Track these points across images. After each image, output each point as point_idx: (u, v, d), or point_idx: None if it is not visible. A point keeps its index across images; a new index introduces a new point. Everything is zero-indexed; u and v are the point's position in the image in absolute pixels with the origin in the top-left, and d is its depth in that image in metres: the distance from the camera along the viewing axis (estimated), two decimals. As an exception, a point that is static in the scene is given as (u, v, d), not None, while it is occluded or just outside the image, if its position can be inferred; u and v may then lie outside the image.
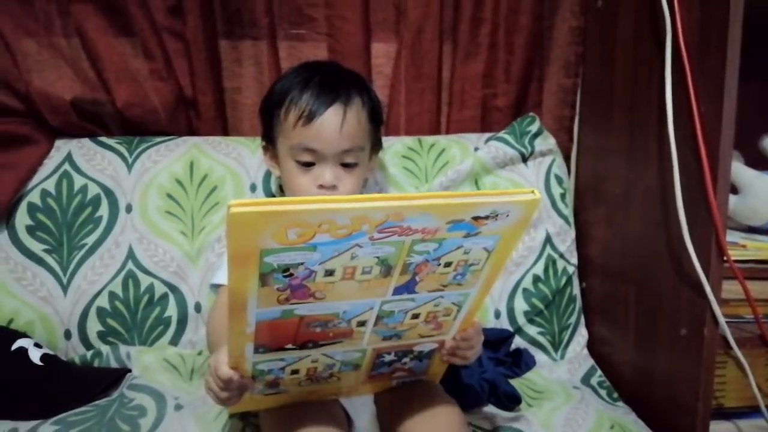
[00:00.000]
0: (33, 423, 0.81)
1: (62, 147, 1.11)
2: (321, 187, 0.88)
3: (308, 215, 0.51)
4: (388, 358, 0.75)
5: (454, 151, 1.17)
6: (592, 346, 1.15)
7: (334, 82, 0.90)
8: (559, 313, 1.13)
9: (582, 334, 1.15)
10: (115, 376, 0.93)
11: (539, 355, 1.10)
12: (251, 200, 0.50)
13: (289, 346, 0.66)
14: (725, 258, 0.85)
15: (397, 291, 0.63)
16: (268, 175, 1.11)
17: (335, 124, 0.87)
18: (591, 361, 1.11)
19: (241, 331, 0.61)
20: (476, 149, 1.17)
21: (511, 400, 0.90)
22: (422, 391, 0.81)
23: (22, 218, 1.05)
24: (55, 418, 0.82)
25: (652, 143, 0.97)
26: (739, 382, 0.94)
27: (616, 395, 1.01)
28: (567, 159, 1.27)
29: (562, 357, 1.12)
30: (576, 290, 1.16)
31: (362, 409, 0.81)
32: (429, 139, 1.20)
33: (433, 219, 0.55)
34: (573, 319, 1.14)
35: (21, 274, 1.02)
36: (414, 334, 0.71)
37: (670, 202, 0.90)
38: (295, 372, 0.71)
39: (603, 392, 1.01)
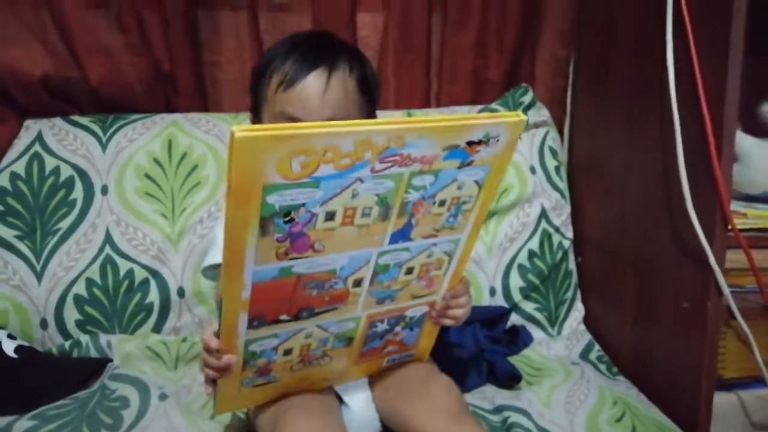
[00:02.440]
0: (8, 419, 0.76)
1: (32, 127, 1.05)
2: None
3: (314, 139, 0.50)
4: (380, 327, 0.72)
5: (445, 125, 1.13)
6: (588, 320, 1.13)
7: (321, 47, 0.85)
8: (555, 288, 1.10)
9: (578, 309, 1.12)
10: (96, 367, 0.88)
11: (536, 332, 1.07)
12: (255, 126, 0.48)
13: (284, 317, 0.63)
14: (729, 227, 0.82)
15: (394, 238, 0.62)
16: (251, 153, 1.06)
17: (318, 89, 0.81)
18: (588, 336, 1.09)
19: (236, 296, 0.57)
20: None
21: (510, 379, 0.87)
22: (418, 371, 0.78)
23: (-10, 203, 0.99)
24: (32, 413, 0.77)
25: (653, 115, 0.93)
26: (739, 353, 0.92)
27: (615, 369, 0.99)
28: (560, 132, 1.24)
29: (559, 333, 1.09)
30: (572, 265, 1.13)
31: (357, 394, 0.77)
32: (419, 113, 1.15)
33: (432, 144, 0.55)
34: (569, 295, 1.11)
35: (-9, 262, 0.97)
36: (406, 295, 0.70)
37: (672, 173, 0.87)
38: (287, 353, 0.67)
39: (602, 367, 0.99)
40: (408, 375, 0.77)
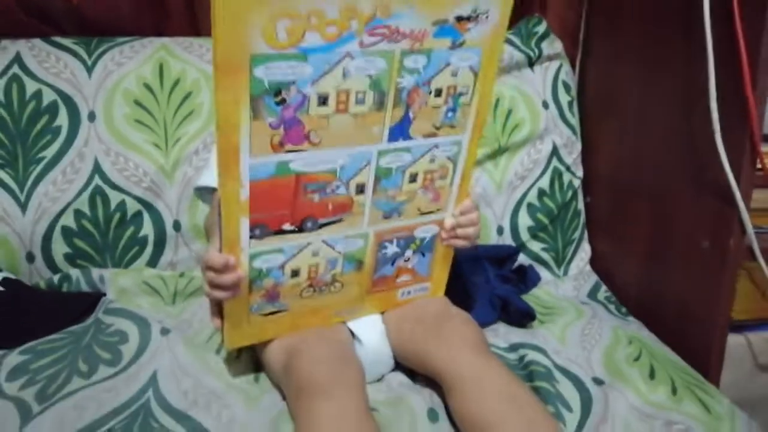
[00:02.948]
0: (-2, 352, 0.72)
1: (9, 47, 0.96)
2: None
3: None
4: (390, 249, 0.70)
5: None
6: (594, 261, 1.10)
7: None
8: (563, 228, 1.07)
9: (585, 250, 1.10)
10: (89, 301, 0.84)
11: (542, 272, 1.04)
12: None
13: (287, 226, 0.60)
14: (759, 166, 0.79)
15: (393, 134, 0.60)
16: (249, 80, 1.00)
17: None
18: (595, 277, 1.06)
19: (234, 195, 0.55)
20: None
21: (523, 316, 0.85)
22: (434, 307, 0.75)
23: (-34, 128, 0.92)
24: (22, 347, 0.73)
25: (677, 48, 0.88)
26: (748, 295, 0.91)
27: (624, 310, 0.97)
28: (572, 66, 1.18)
29: (566, 273, 1.07)
30: (581, 205, 1.10)
31: (371, 330, 0.73)
32: (426, 42, 1.09)
33: (420, 17, 0.54)
34: (577, 235, 1.08)
35: (-30, 192, 0.90)
36: (413, 209, 0.68)
37: (698, 106, 0.82)
38: (295, 274, 0.64)
39: (611, 307, 0.97)
40: (424, 311, 0.73)
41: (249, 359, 0.74)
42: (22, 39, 0.98)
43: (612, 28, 1.06)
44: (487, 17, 0.57)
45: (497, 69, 0.63)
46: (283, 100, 0.52)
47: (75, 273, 0.91)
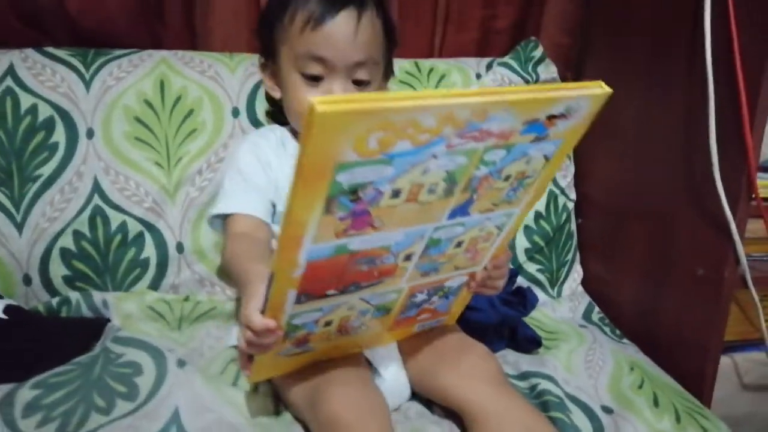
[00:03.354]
0: (6, 387, 0.69)
1: (1, 58, 0.92)
2: None
3: (401, 113, 0.44)
4: (419, 297, 0.70)
5: (455, 77, 1.08)
6: (585, 282, 1.14)
7: None
8: (557, 250, 1.10)
9: (578, 271, 1.13)
10: (96, 328, 0.82)
11: (538, 293, 1.06)
12: (336, 97, 0.42)
13: (332, 291, 0.59)
14: (753, 196, 0.83)
15: (453, 214, 0.59)
16: (252, 99, 0.98)
17: (349, 29, 0.76)
18: (587, 298, 1.10)
19: (288, 275, 0.53)
20: (478, 75, 1.09)
21: (530, 343, 0.87)
22: (451, 339, 0.76)
23: (-42, 144, 0.88)
24: (33, 381, 0.70)
25: (676, 78, 0.92)
26: (736, 318, 0.95)
27: (619, 332, 1.00)
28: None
29: (559, 294, 1.10)
30: (573, 226, 1.13)
31: (388, 360, 0.74)
32: (426, 63, 1.10)
33: (514, 118, 0.51)
34: (570, 256, 1.12)
35: (-37, 211, 0.87)
36: (450, 267, 0.67)
37: (697, 137, 0.86)
38: (327, 324, 0.64)
39: (607, 329, 1.00)
40: (442, 343, 0.75)
41: (267, 392, 0.74)
42: (14, 49, 0.94)
43: (609, 52, 1.09)
44: (577, 113, 0.55)
45: (570, 151, 0.60)
46: (358, 198, 0.50)
47: (75, 296, 0.88)
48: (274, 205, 0.82)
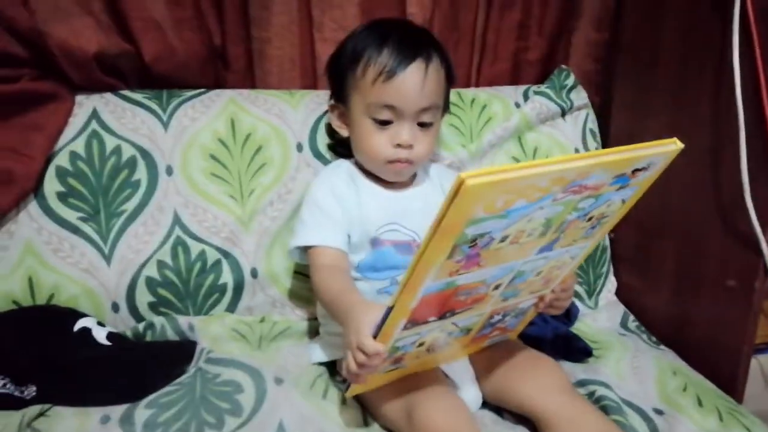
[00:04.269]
0: (122, 407, 0.77)
1: (84, 103, 1.01)
2: (398, 146, 0.87)
3: (527, 180, 0.52)
4: (496, 318, 0.78)
5: (496, 107, 1.17)
6: (618, 293, 1.22)
7: (413, 39, 0.88)
8: (594, 263, 1.19)
9: (612, 282, 1.22)
10: (187, 350, 0.90)
11: (578, 304, 1.15)
12: (481, 170, 0.49)
13: (432, 318, 0.67)
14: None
15: (541, 250, 0.67)
16: (314, 134, 1.07)
17: (417, 80, 0.85)
18: (622, 307, 1.18)
19: (406, 308, 0.61)
20: (517, 105, 1.17)
21: (582, 353, 0.95)
22: (520, 352, 0.85)
23: (51, 184, 0.96)
24: (146, 401, 0.78)
25: (704, 105, 1.00)
26: (762, 323, 1.04)
27: (655, 339, 1.09)
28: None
29: (596, 305, 1.18)
30: (607, 241, 1.21)
31: (463, 374, 0.83)
32: (468, 94, 1.18)
33: (607, 173, 0.60)
34: (605, 269, 1.20)
35: (57, 246, 0.94)
36: (527, 292, 0.76)
37: (727, 162, 0.95)
38: (420, 345, 0.72)
39: (644, 336, 1.08)
40: (512, 357, 0.83)
41: (354, 404, 0.82)
42: (95, 93, 1.02)
43: (639, 78, 1.17)
44: (656, 165, 0.64)
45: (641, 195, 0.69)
46: (475, 244, 0.58)
47: (159, 321, 0.96)
48: (348, 236, 0.90)
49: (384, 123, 0.87)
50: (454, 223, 0.52)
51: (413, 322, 0.65)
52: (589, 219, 0.66)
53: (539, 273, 0.72)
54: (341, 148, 1.02)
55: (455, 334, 0.75)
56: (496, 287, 0.69)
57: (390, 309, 0.61)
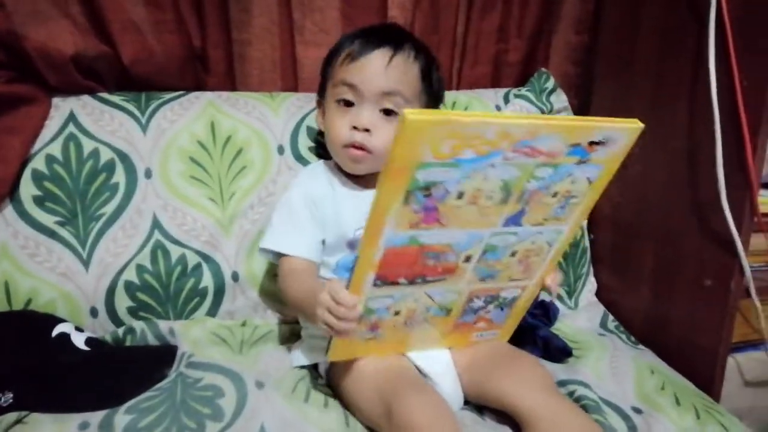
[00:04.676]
0: (102, 413, 0.76)
1: (61, 105, 1.00)
2: (354, 129, 0.88)
3: (470, 127, 0.57)
4: (477, 303, 0.80)
5: (476, 108, 1.17)
6: (598, 293, 1.24)
7: (390, 33, 0.92)
8: (574, 263, 1.20)
9: (592, 282, 1.23)
10: (168, 355, 0.89)
11: (558, 305, 1.16)
12: (422, 110, 0.57)
13: (402, 280, 0.70)
14: (755, 216, 0.93)
15: (507, 222, 0.70)
16: (295, 136, 1.07)
17: (380, 63, 0.87)
18: (602, 308, 1.19)
19: (371, 257, 0.65)
20: (498, 108, 1.18)
21: (562, 353, 0.96)
22: (501, 349, 0.86)
23: (27, 188, 0.95)
24: (125, 406, 0.77)
25: (681, 108, 1.02)
26: (738, 320, 1.05)
27: (633, 338, 1.10)
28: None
29: (576, 305, 1.19)
30: (587, 242, 1.23)
31: (445, 374, 0.83)
32: (450, 96, 1.18)
33: (559, 140, 0.63)
34: (585, 270, 1.21)
35: (34, 250, 0.93)
36: (505, 276, 0.78)
37: (704, 164, 0.96)
38: (397, 313, 0.75)
39: (623, 336, 1.09)
40: (495, 352, 0.84)
41: (336, 406, 0.82)
42: (72, 96, 1.01)
43: (620, 84, 1.18)
44: (615, 143, 0.66)
45: (611, 178, 0.71)
46: (430, 194, 0.61)
47: (139, 325, 0.95)
48: (323, 240, 0.90)
49: (347, 104, 0.89)
50: (403, 162, 0.57)
51: (383, 280, 0.68)
52: (555, 195, 0.69)
53: (514, 254, 0.74)
54: (326, 151, 1.02)
55: (433, 310, 0.77)
56: (467, 259, 0.71)
57: (356, 260, 0.65)
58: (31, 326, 0.88)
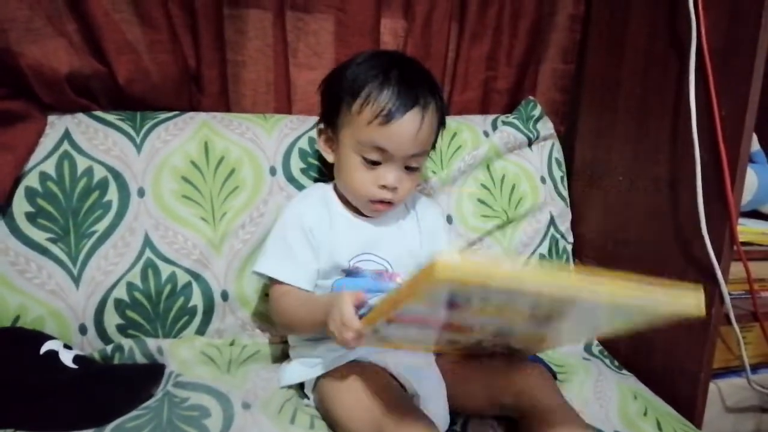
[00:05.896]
0: (88, 432, 0.77)
1: (56, 123, 1.01)
2: (383, 187, 0.89)
3: (502, 292, 0.53)
4: (485, 343, 0.81)
5: (466, 135, 1.20)
6: (583, 317, 1.25)
7: (413, 81, 0.88)
8: (559, 288, 1.21)
9: (576, 307, 1.24)
10: (155, 373, 0.89)
11: (543, 329, 1.18)
12: (455, 266, 0.48)
13: (416, 326, 0.71)
14: (734, 245, 0.96)
15: (533, 323, 0.69)
16: (287, 158, 1.08)
17: (413, 128, 0.86)
18: (586, 332, 1.21)
19: (386, 314, 0.64)
20: (486, 134, 1.21)
21: (547, 377, 0.97)
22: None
23: (20, 204, 0.95)
24: (112, 425, 0.77)
25: (663, 138, 1.05)
26: (719, 348, 1.08)
27: (617, 363, 1.12)
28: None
29: (561, 329, 1.21)
30: (572, 267, 1.25)
31: (435, 392, 0.84)
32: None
33: (599, 306, 0.63)
34: (570, 294, 1.23)
35: (24, 267, 0.93)
36: (521, 339, 0.79)
37: (684, 193, 0.99)
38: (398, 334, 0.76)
39: (607, 361, 1.11)
40: (491, 360, 0.86)
41: (323, 427, 0.82)
42: (67, 114, 1.02)
43: (604, 112, 1.21)
44: None
45: None
46: (455, 302, 0.58)
47: (127, 343, 0.95)
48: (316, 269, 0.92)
49: (373, 163, 0.88)
50: (427, 293, 0.54)
51: (395, 322, 0.68)
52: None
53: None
54: (322, 174, 1.03)
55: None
56: (483, 327, 0.72)
57: (369, 309, 0.66)
58: (19, 343, 0.88)
